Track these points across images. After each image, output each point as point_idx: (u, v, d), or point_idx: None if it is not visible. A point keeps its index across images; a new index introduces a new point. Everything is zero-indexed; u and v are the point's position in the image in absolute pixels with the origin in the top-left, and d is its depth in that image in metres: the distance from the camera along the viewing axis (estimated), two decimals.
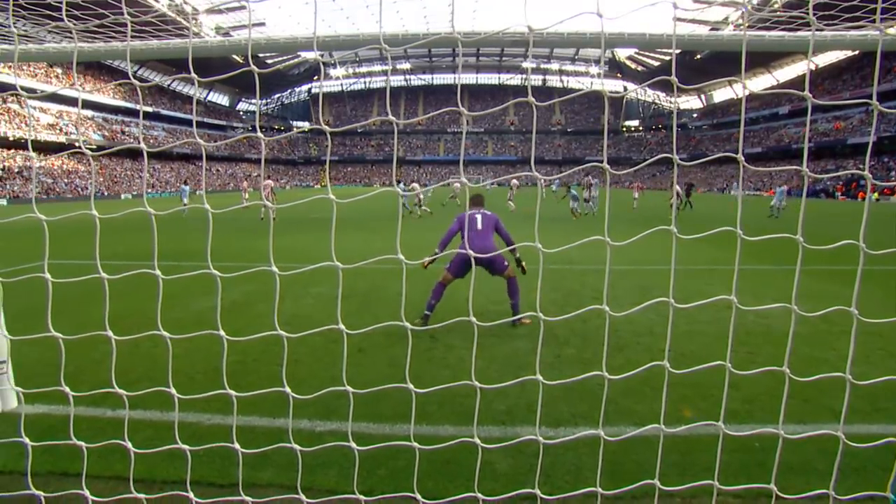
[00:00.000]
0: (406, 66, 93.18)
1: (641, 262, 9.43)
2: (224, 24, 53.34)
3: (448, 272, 5.50)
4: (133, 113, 61.84)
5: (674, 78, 1.58)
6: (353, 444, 1.70)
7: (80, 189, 45.32)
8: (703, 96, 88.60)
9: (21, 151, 45.78)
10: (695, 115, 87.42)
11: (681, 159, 1.53)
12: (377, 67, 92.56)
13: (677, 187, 22.23)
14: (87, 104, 56.82)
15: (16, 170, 43.56)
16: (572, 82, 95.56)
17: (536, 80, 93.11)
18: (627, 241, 1.64)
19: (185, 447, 1.83)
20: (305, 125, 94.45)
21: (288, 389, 1.66)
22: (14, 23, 2.34)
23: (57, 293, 1.60)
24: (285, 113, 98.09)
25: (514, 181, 27.38)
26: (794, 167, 1.56)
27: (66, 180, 45.98)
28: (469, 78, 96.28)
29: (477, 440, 1.61)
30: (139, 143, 1.78)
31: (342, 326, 1.64)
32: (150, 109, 65.03)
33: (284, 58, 72.37)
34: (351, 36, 1.90)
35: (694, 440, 2.75)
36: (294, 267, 1.81)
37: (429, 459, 2.49)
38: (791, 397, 2.07)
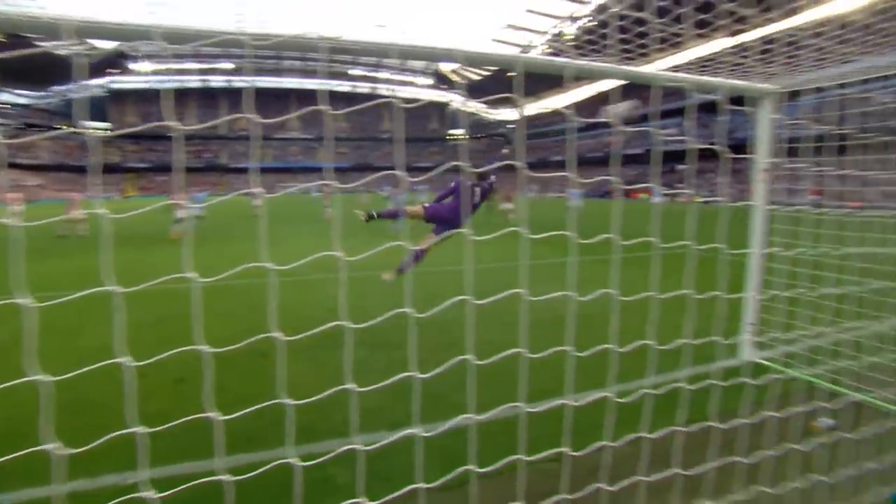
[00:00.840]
0: (228, 65, 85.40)
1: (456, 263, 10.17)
2: None
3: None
4: None
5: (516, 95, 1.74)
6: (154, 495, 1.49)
7: None
8: (518, 109, 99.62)
9: None
10: (510, 126, 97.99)
11: (501, 167, 1.68)
12: (193, 65, 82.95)
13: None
14: None
15: None
16: (400, 91, 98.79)
17: (365, 87, 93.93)
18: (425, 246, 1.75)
19: None
20: (102, 125, 78.37)
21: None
22: None
23: None
24: (70, 110, 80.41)
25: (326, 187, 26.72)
26: (561, 174, 1.84)
27: None
28: (296, 83, 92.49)
29: (294, 463, 1.55)
30: None
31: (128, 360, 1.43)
32: None
33: (64, 42, 60.04)
34: (118, 25, 1.65)
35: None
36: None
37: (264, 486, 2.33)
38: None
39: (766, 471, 2.09)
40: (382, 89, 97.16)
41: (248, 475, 1.57)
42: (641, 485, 1.78)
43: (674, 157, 54.03)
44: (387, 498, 1.77)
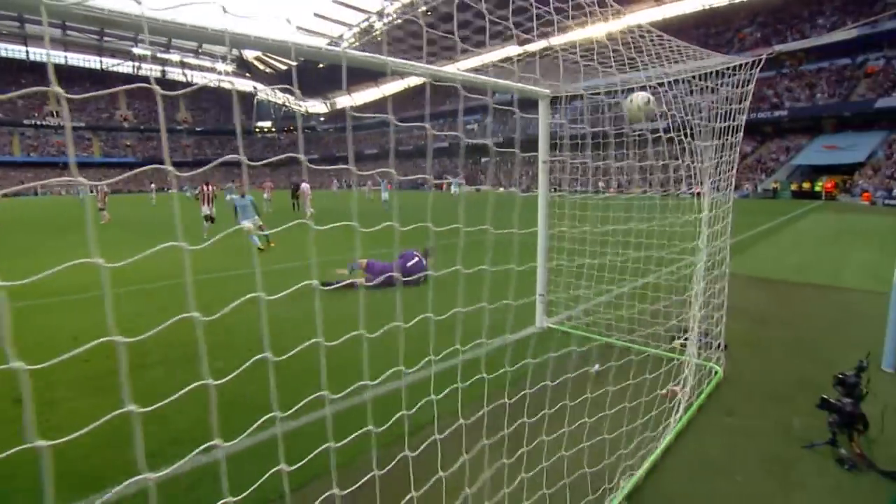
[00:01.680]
0: None
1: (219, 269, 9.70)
2: None
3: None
4: None
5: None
6: None
7: None
8: (327, 102, 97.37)
9: None
10: (322, 119, 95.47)
11: (311, 160, 1.64)
12: None
13: (306, 185, 22.75)
14: None
15: None
16: (197, 77, 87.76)
17: (153, 70, 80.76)
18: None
19: None
20: None
21: None
22: None
23: None
24: None
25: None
26: (384, 169, 1.90)
27: None
28: (55, 57, 74.52)
29: None
30: None
31: None
32: None
33: None
34: None
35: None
36: None
37: None
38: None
39: (546, 418, 2.49)
40: (175, 73, 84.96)
41: None
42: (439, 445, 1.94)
43: (477, 151, 59.93)
44: None
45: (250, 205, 12.33)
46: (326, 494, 1.65)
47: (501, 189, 43.83)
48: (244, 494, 1.49)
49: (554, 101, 5.21)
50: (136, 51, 77.22)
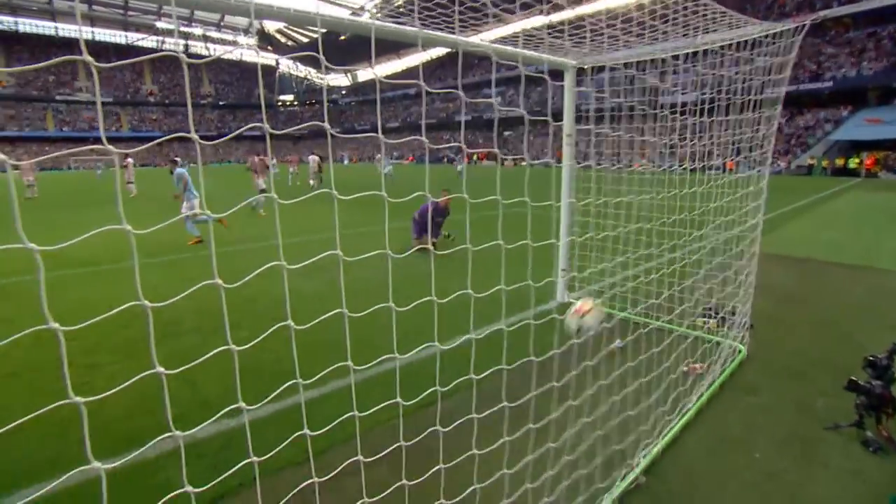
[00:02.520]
0: None
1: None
2: None
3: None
4: None
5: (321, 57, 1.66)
6: None
7: None
8: (349, 75, 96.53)
9: None
10: (343, 92, 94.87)
11: (333, 133, 1.63)
12: None
13: (315, 158, 22.85)
14: None
15: None
16: (219, 51, 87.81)
17: (175, 43, 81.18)
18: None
19: None
20: None
21: None
22: None
23: None
24: None
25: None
26: (415, 138, 1.90)
27: None
28: (83, 32, 75.38)
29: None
30: None
31: None
32: None
33: None
34: None
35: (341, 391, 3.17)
36: None
37: None
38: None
39: (573, 388, 2.50)
40: (198, 47, 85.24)
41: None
42: (475, 422, 1.97)
43: (500, 124, 58.83)
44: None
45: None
46: (351, 460, 1.71)
47: (524, 162, 43.26)
48: (268, 455, 1.55)
49: (580, 72, 5.06)
50: (160, 25, 77.47)
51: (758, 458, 2.96)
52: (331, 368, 1.74)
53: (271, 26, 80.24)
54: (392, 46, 74.94)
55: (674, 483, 2.76)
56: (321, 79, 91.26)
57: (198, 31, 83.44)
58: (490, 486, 2.12)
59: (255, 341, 1.47)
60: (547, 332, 2.53)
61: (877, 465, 2.89)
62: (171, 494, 1.36)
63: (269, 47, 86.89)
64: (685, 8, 3.41)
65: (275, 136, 1.47)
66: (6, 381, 3.87)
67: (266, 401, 1.74)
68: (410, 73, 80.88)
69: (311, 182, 21.58)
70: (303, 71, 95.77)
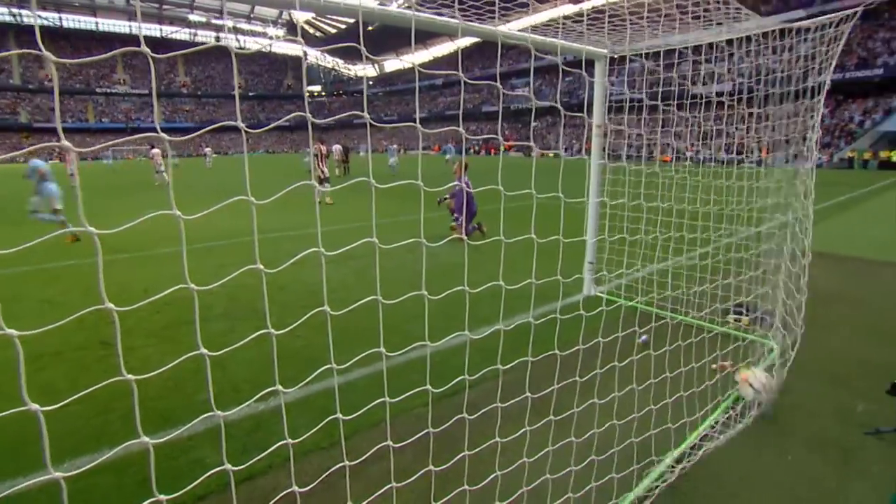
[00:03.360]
0: None
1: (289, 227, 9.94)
2: None
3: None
4: None
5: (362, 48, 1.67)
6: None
7: None
8: (376, 65, 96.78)
9: None
10: (371, 83, 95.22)
11: (361, 124, 1.65)
12: None
13: (339, 147, 22.95)
14: None
15: None
16: (249, 42, 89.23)
17: (207, 36, 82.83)
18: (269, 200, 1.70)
19: None
20: None
21: None
22: None
23: None
24: None
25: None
26: (453, 128, 1.91)
27: None
28: (120, 26, 77.85)
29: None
30: None
31: None
32: None
33: None
34: None
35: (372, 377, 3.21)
36: None
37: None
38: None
39: (598, 383, 2.48)
40: (228, 39, 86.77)
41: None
42: (499, 411, 1.98)
43: (527, 115, 58.04)
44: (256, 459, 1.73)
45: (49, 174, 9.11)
46: (380, 445, 1.74)
47: (552, 154, 42.75)
48: (301, 438, 1.59)
49: (610, 62, 4.94)
50: (192, 17, 79.11)
51: (790, 460, 2.88)
52: (364, 354, 1.77)
53: (300, 17, 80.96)
54: (420, 37, 74.64)
55: (700, 482, 2.71)
56: (348, 69, 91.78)
57: (228, 23, 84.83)
58: (511, 473, 2.12)
59: (291, 326, 1.50)
60: (574, 326, 2.51)
61: None
62: (212, 472, 1.40)
63: (299, 38, 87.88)
64: None
65: (303, 127, 1.50)
66: (52, 360, 4.07)
67: (299, 386, 1.78)
68: (437, 63, 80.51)
69: (337, 172, 21.86)
70: (330, 62, 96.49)
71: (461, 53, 76.24)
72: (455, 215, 9.09)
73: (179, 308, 5.01)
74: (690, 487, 2.66)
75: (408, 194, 1.54)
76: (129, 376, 1.05)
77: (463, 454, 1.95)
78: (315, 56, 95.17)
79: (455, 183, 8.21)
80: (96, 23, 76.26)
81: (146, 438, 1.10)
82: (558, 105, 1.92)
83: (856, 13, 3.50)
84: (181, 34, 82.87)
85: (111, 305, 0.98)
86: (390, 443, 1.68)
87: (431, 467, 1.84)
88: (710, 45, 4.14)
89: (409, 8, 2.56)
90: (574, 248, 2.56)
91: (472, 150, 56.47)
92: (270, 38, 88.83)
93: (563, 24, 4.28)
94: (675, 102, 4.18)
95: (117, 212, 12.98)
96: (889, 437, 3.04)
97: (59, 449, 2.91)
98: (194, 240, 8.60)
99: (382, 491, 1.78)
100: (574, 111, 2.25)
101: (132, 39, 78.88)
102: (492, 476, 2.08)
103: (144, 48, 1.02)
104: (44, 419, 0.97)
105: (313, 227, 10.38)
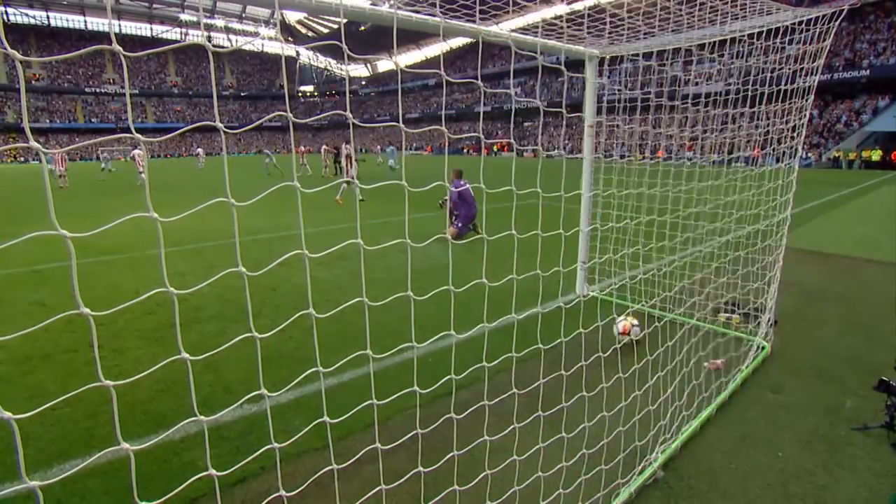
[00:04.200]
0: None
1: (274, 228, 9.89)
2: None
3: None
4: None
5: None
6: None
7: None
8: (368, 65, 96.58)
9: None
10: (363, 83, 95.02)
11: (351, 124, 1.64)
12: None
13: (326, 147, 23.06)
14: None
15: None
16: (241, 42, 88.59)
17: (198, 36, 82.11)
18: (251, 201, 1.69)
19: None
20: None
21: None
22: None
23: None
24: None
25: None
26: (436, 127, 1.90)
27: None
28: (100, 23, 76.90)
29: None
30: None
31: None
32: None
33: None
34: None
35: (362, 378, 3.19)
36: None
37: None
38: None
39: (585, 379, 2.49)
40: (220, 39, 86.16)
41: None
42: (486, 409, 1.98)
43: (519, 114, 58.34)
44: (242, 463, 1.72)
45: None
46: (369, 448, 1.73)
47: (545, 154, 42.89)
48: (289, 442, 1.58)
49: (601, 62, 4.96)
50: (183, 17, 78.50)
51: (781, 456, 2.91)
52: (354, 355, 1.76)
53: (292, 17, 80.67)
54: (412, 37, 74.63)
55: (693, 479, 2.73)
56: (341, 69, 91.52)
57: (219, 22, 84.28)
58: (501, 472, 2.12)
59: (276, 329, 1.49)
60: (568, 324, 2.52)
61: None
62: (196, 477, 1.39)
63: (290, 38, 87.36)
64: None
65: (297, 127, 1.49)
66: (41, 363, 4.02)
67: (287, 388, 1.77)
68: (430, 63, 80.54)
69: (324, 173, 21.93)
70: (322, 61, 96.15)
71: (454, 54, 76.36)
72: (454, 218, 9.17)
73: (171, 309, 4.97)
74: (683, 485, 2.68)
75: (407, 194, 1.53)
76: (108, 382, 1.03)
77: (451, 455, 1.96)
78: (308, 56, 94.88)
79: (451, 189, 8.39)
80: (85, 21, 75.41)
81: (126, 445, 1.08)
82: (539, 104, 1.92)
83: (841, 11, 3.55)
84: (172, 33, 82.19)
85: (87, 311, 0.97)
86: (378, 444, 1.67)
87: (420, 468, 1.84)
88: (700, 46, 4.17)
89: (396, 8, 2.56)
90: (569, 249, 2.57)
91: (465, 150, 56.54)
92: (256, 35, 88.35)
93: (555, 24, 4.30)
94: (666, 103, 4.20)
95: (114, 213, 12.86)
96: (877, 433, 3.08)
97: (48, 453, 2.87)
98: (185, 241, 8.53)
99: (373, 492, 1.78)
100: (561, 110, 2.25)
101: (121, 38, 78.15)
102: (482, 475, 2.08)
103: (116, 46, 1.01)
104: (17, 427, 0.95)
105: (306, 228, 10.34)
